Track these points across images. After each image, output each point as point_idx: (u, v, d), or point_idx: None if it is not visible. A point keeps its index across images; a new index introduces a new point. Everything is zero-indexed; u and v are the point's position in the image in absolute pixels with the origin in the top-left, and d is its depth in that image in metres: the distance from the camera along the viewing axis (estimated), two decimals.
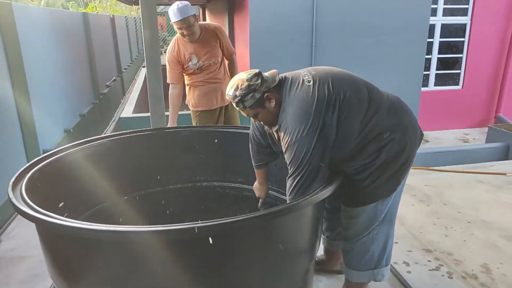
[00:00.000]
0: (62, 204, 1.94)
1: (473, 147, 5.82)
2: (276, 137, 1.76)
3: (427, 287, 2.20)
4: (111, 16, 10.10)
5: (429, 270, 2.38)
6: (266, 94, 1.64)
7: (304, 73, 1.68)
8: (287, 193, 1.68)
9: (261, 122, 1.78)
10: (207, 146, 2.63)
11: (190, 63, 2.98)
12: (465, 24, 7.55)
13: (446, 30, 7.56)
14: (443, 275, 2.32)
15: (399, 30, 5.62)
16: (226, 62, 3.20)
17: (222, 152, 2.63)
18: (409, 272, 2.34)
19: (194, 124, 3.11)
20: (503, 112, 7.93)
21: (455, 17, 7.52)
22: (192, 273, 1.47)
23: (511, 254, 2.53)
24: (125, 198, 2.48)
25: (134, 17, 18.51)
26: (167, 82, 3.05)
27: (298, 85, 1.64)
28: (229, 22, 6.55)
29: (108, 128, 6.22)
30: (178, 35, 3.00)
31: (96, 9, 22.64)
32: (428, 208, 3.19)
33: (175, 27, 2.92)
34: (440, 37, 7.53)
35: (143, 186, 2.55)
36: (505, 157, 5.30)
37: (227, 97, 1.72)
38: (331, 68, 1.75)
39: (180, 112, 3.13)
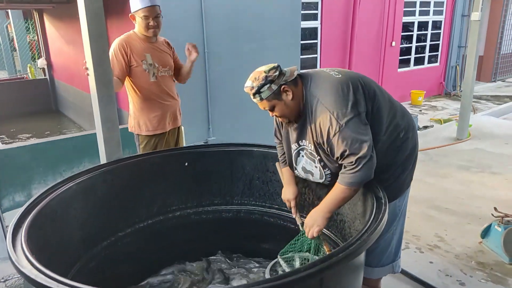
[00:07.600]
0: None
1: None
2: (312, 133, 1.68)
3: (412, 264, 2.46)
4: None
5: (402, 250, 2.65)
6: (282, 87, 1.64)
7: (328, 70, 1.73)
8: (352, 184, 1.60)
9: (279, 118, 1.76)
10: (176, 170, 2.35)
11: (144, 62, 2.51)
12: (317, 28, 8.54)
13: (303, 33, 8.39)
14: (415, 252, 2.63)
15: (278, 34, 5.99)
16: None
17: (194, 174, 2.39)
18: None
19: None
20: None
21: (308, 22, 8.42)
22: None
23: (446, 221, 3.02)
24: (94, 249, 2.03)
25: None
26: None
27: (326, 77, 1.68)
28: None
29: None
30: (131, 32, 2.57)
31: None
32: None
33: (139, 16, 2.47)
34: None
35: (112, 231, 2.12)
36: None
37: (245, 89, 1.67)
38: (348, 70, 1.82)
39: None
